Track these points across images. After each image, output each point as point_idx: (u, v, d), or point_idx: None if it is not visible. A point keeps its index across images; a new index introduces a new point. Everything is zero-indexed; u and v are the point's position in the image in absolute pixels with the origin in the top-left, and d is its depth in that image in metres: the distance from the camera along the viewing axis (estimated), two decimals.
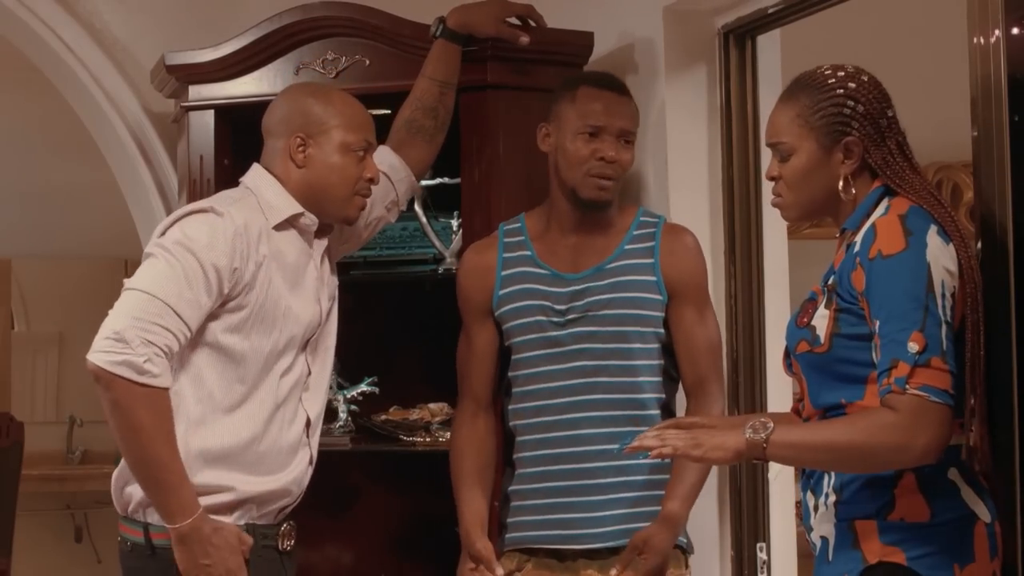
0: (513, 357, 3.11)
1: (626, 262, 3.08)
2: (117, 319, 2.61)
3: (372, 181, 2.90)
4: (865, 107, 2.41)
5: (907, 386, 2.23)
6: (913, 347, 2.24)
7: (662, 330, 3.07)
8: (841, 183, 2.42)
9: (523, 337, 3.09)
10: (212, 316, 2.70)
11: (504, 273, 3.13)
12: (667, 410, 3.09)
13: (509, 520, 3.12)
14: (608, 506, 3.03)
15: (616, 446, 2.92)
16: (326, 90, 2.96)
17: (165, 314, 2.61)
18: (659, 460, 3.00)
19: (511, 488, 3.12)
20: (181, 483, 2.62)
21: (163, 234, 2.73)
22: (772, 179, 2.52)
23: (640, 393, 3.05)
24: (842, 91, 2.42)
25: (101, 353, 2.58)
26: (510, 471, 3.15)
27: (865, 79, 2.44)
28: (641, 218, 3.14)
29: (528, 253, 3.14)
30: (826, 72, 2.46)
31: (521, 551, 3.09)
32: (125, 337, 2.57)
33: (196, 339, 2.69)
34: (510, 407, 3.13)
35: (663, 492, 3.01)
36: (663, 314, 3.07)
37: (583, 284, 3.06)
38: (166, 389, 2.62)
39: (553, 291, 3.08)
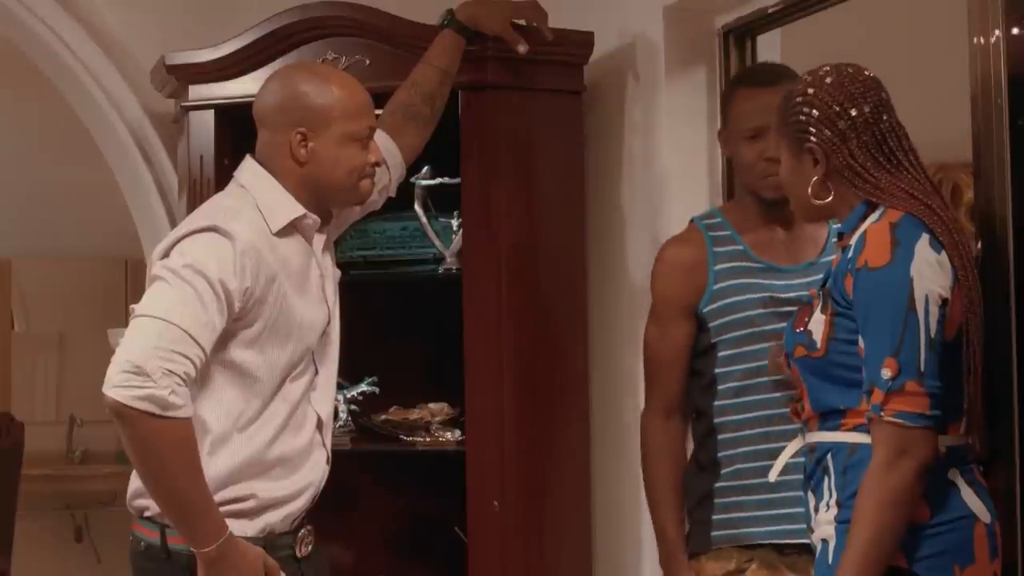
0: (721, 353, 2.96)
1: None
2: (133, 349, 2.48)
3: (377, 164, 2.80)
4: (820, 112, 2.38)
5: (882, 413, 2.25)
6: (886, 373, 2.25)
7: None
8: (809, 189, 2.42)
9: (738, 332, 2.94)
10: (226, 333, 2.61)
11: (718, 268, 2.98)
12: None
13: (717, 517, 2.96)
14: None
15: None
16: (323, 75, 2.79)
17: (183, 340, 2.50)
18: None
19: (717, 486, 2.97)
20: (208, 509, 2.55)
21: (166, 255, 2.62)
22: None
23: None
24: (800, 99, 2.42)
25: (121, 388, 2.45)
26: (697, 468, 3.01)
27: (829, 81, 2.40)
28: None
29: (740, 247, 2.98)
30: (802, 77, 2.46)
31: (740, 548, 2.94)
32: (145, 369, 2.45)
33: (213, 359, 2.59)
34: (717, 403, 2.98)
35: None
36: None
37: (804, 278, 2.92)
38: (189, 419, 2.51)
39: (777, 283, 2.95)
